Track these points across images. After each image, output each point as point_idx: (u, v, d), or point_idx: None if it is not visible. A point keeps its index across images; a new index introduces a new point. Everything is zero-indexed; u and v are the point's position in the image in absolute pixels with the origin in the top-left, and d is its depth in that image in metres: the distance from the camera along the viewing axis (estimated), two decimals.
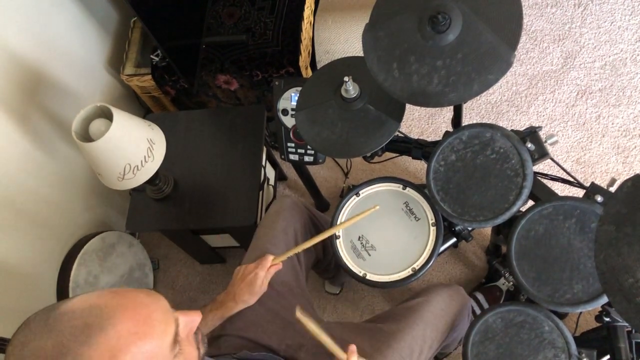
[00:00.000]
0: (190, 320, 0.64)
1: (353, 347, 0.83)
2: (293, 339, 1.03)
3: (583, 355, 0.89)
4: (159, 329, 0.57)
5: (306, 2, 1.69)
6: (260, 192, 1.53)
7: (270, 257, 1.01)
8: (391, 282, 1.02)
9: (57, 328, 0.53)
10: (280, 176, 1.88)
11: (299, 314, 0.84)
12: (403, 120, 1.02)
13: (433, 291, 1.10)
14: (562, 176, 1.06)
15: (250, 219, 1.43)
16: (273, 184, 1.78)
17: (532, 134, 0.96)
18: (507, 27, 0.83)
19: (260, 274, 0.97)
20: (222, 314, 0.98)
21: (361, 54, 0.96)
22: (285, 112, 1.31)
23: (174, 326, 0.60)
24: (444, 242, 1.14)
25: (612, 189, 0.89)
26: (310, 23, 1.77)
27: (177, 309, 0.64)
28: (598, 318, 0.98)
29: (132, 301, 0.57)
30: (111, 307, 0.56)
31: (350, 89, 1.02)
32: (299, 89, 1.27)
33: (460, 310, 1.09)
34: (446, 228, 1.14)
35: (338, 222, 1.10)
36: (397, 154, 1.18)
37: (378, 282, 1.02)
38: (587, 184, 0.94)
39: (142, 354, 0.55)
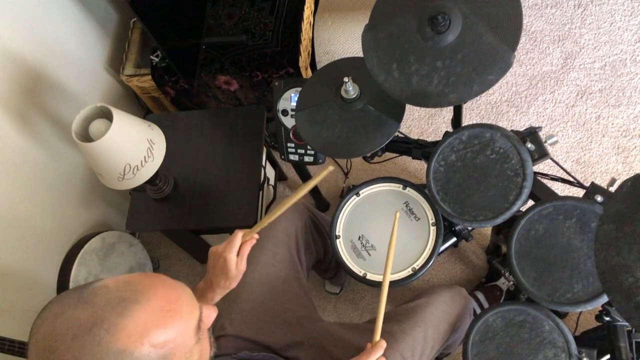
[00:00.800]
0: (209, 313, 0.66)
1: (383, 343, 0.85)
2: (293, 339, 1.03)
3: (583, 354, 0.90)
4: (187, 310, 0.60)
5: (306, 2, 1.69)
6: (260, 192, 1.53)
7: (240, 234, 0.89)
8: (391, 281, 1.02)
9: (93, 301, 0.55)
10: (280, 176, 1.88)
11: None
12: (403, 120, 1.03)
13: (435, 292, 1.10)
14: (562, 176, 1.06)
15: (250, 219, 1.43)
16: (273, 184, 1.79)
17: (532, 134, 0.96)
18: (507, 27, 0.83)
19: (230, 257, 0.86)
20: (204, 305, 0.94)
21: (361, 54, 0.96)
22: (285, 112, 1.31)
23: (199, 312, 0.62)
24: (444, 242, 1.14)
25: (612, 189, 0.89)
26: (310, 23, 1.77)
27: None
28: (598, 317, 0.98)
29: (163, 282, 0.60)
30: (145, 283, 0.58)
31: (350, 89, 1.02)
32: (299, 89, 1.27)
33: (462, 311, 1.10)
34: (446, 228, 1.14)
35: (338, 224, 1.11)
36: (397, 154, 1.19)
37: (378, 282, 1.02)
38: (587, 184, 0.94)
39: (172, 330, 0.57)
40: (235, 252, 0.88)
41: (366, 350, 0.85)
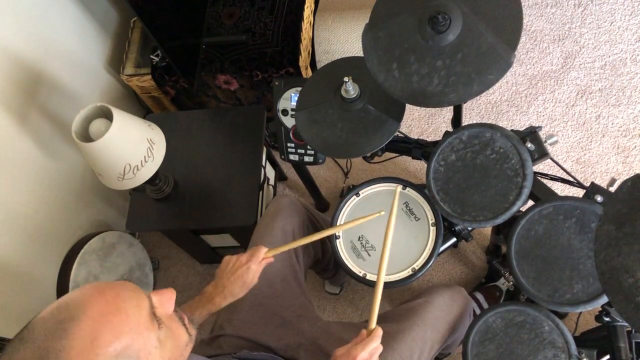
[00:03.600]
0: (162, 295, 0.63)
1: (379, 331, 0.81)
2: (292, 338, 1.03)
3: (583, 355, 0.90)
4: (131, 304, 0.57)
5: (306, 2, 1.69)
6: (260, 192, 1.53)
7: (264, 250, 0.96)
8: (391, 282, 1.02)
9: (32, 337, 0.53)
10: (280, 176, 1.88)
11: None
12: (403, 120, 1.03)
13: (434, 292, 1.10)
14: (562, 176, 1.06)
15: (250, 219, 1.43)
16: (273, 184, 1.79)
17: (532, 134, 0.96)
18: (507, 27, 0.83)
19: (253, 268, 0.93)
20: (209, 308, 0.94)
21: (361, 54, 0.96)
22: (285, 112, 1.31)
23: (147, 300, 0.60)
24: (444, 242, 1.14)
25: (612, 189, 0.89)
26: (310, 23, 1.77)
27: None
28: (598, 318, 0.98)
29: (96, 287, 0.58)
30: (77, 299, 0.56)
31: (350, 89, 1.02)
32: (299, 89, 1.27)
33: (462, 311, 1.09)
34: (446, 228, 1.14)
35: (338, 223, 1.10)
36: (397, 154, 1.18)
37: None
38: (587, 184, 0.94)
39: (121, 329, 0.55)
40: (258, 264, 0.94)
41: (360, 336, 0.82)
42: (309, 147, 1.31)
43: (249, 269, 0.93)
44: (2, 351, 0.54)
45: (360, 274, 1.04)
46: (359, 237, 1.08)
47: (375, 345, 0.80)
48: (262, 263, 0.95)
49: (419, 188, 1.08)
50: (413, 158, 1.16)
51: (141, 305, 0.59)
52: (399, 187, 0.99)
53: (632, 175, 0.68)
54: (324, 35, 1.76)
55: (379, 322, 1.06)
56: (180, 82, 1.72)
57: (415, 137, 1.17)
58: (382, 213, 0.99)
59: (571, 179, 1.03)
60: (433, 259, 1.02)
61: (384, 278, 0.84)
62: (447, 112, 1.85)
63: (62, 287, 1.47)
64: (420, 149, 1.14)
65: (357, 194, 1.13)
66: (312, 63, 1.78)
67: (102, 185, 1.33)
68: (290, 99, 1.30)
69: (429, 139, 1.17)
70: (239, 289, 0.93)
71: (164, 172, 1.49)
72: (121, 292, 0.58)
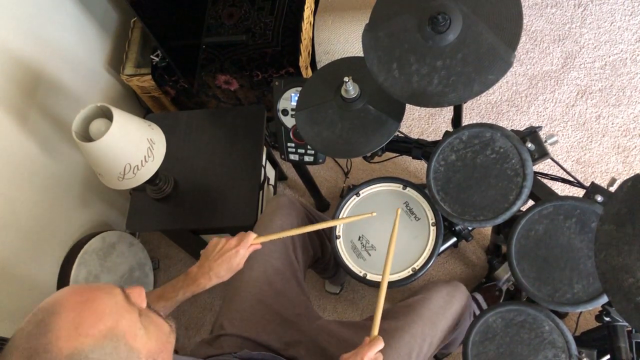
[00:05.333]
0: (135, 292, 0.65)
1: (381, 340, 0.83)
2: (292, 337, 1.03)
3: (583, 355, 0.90)
4: (104, 290, 0.59)
5: (306, 2, 1.69)
6: (260, 192, 1.53)
7: (253, 235, 0.96)
8: (391, 282, 1.02)
9: (14, 344, 0.54)
10: (280, 176, 1.88)
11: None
12: (403, 120, 1.03)
13: (432, 288, 1.09)
14: (562, 176, 1.06)
15: (250, 219, 1.43)
16: (273, 184, 1.79)
17: (532, 134, 0.96)
18: (507, 27, 0.83)
19: (241, 252, 0.93)
20: (193, 290, 0.94)
21: (361, 54, 0.96)
22: (285, 112, 1.31)
23: (119, 289, 0.62)
24: (444, 242, 1.14)
25: (612, 189, 0.89)
26: (310, 23, 1.77)
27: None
28: (598, 318, 0.98)
29: (68, 287, 0.60)
30: (50, 300, 0.57)
31: (350, 89, 1.02)
32: (299, 89, 1.27)
33: (461, 307, 1.09)
34: (446, 228, 1.14)
35: (337, 226, 1.10)
36: (397, 154, 1.19)
37: (378, 282, 1.02)
38: (587, 184, 0.94)
39: (101, 312, 0.56)
40: (247, 248, 0.94)
41: (364, 343, 0.84)
42: (309, 147, 1.31)
43: (237, 253, 0.93)
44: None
45: (361, 274, 1.04)
46: (359, 237, 1.08)
47: (380, 347, 0.82)
48: (250, 248, 0.95)
49: (419, 188, 1.09)
50: (413, 158, 1.16)
51: (113, 292, 0.60)
52: (399, 210, 1.03)
53: (632, 175, 0.68)
54: (324, 35, 1.76)
55: None
56: (180, 82, 1.72)
57: (416, 137, 1.17)
58: (374, 214, 1.03)
59: (571, 179, 1.03)
60: (433, 259, 1.02)
61: (384, 296, 0.87)
62: (447, 112, 1.85)
63: (62, 287, 1.47)
64: (421, 148, 1.14)
65: (357, 194, 1.13)
66: (312, 63, 1.78)
67: (102, 185, 1.33)
68: (290, 99, 1.30)
69: (429, 139, 1.17)
70: (224, 271, 0.93)
71: (164, 172, 1.48)
72: (91, 285, 0.60)
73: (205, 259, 0.96)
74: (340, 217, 1.11)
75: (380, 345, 0.83)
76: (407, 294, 1.62)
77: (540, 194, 0.97)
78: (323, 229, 1.27)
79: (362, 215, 1.03)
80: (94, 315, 0.55)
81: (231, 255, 0.93)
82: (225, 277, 0.94)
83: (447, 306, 1.07)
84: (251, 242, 0.95)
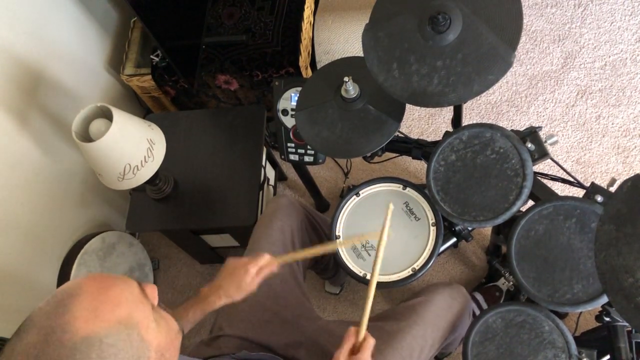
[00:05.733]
0: (149, 287, 0.65)
1: (372, 342, 0.82)
2: (292, 338, 1.03)
3: (583, 355, 0.90)
4: (121, 279, 0.60)
5: (306, 2, 1.69)
6: (260, 192, 1.53)
7: (267, 256, 0.95)
8: (391, 282, 1.02)
9: (32, 322, 0.54)
10: (280, 176, 1.88)
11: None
12: (403, 120, 1.03)
13: (434, 290, 1.10)
14: (562, 176, 1.06)
15: (250, 219, 1.43)
16: (273, 184, 1.78)
17: (532, 134, 0.96)
18: (507, 27, 0.83)
19: (251, 270, 0.92)
20: (203, 308, 0.94)
21: (361, 54, 0.96)
22: (285, 112, 1.31)
23: (134, 281, 0.62)
24: (444, 242, 1.14)
25: (612, 189, 0.89)
26: (310, 23, 1.77)
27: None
28: (598, 318, 0.98)
29: (88, 274, 0.60)
30: (70, 283, 0.58)
31: (350, 89, 1.02)
32: (299, 89, 1.27)
33: (462, 309, 1.09)
34: (446, 228, 1.14)
35: (337, 223, 1.10)
36: (397, 154, 1.18)
37: (378, 282, 1.02)
38: (587, 184, 0.94)
39: (118, 299, 0.57)
40: (257, 268, 0.93)
41: (349, 334, 0.82)
42: (309, 147, 1.31)
43: (247, 272, 0.92)
44: (6, 344, 0.55)
45: (361, 274, 1.04)
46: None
47: (371, 346, 0.82)
48: (263, 270, 0.94)
49: (419, 188, 1.08)
50: (413, 158, 1.16)
51: (129, 282, 0.61)
52: (392, 205, 0.97)
53: (632, 175, 0.68)
54: (324, 35, 1.76)
55: (379, 321, 1.07)
56: (180, 82, 1.72)
57: (415, 137, 1.17)
58: (386, 237, 0.92)
59: (571, 179, 1.03)
60: (433, 259, 1.02)
61: (372, 297, 0.84)
62: (447, 112, 1.85)
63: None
64: (420, 149, 1.14)
65: (357, 194, 1.12)
66: (312, 63, 1.78)
67: (102, 185, 1.33)
68: (290, 99, 1.30)
69: (429, 139, 1.17)
70: (234, 290, 0.92)
71: (164, 172, 1.48)
72: (109, 274, 0.61)
73: (218, 277, 0.96)
74: (340, 217, 1.11)
75: (372, 344, 0.82)
76: (407, 294, 1.63)
77: (540, 194, 0.97)
78: (322, 230, 1.27)
79: (366, 235, 1.01)
80: (111, 302, 0.56)
81: (241, 274, 0.92)
82: (236, 297, 0.93)
83: (449, 308, 1.07)
84: (264, 262, 0.94)
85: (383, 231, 0.85)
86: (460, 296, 1.11)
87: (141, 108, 1.96)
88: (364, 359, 0.80)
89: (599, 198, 0.90)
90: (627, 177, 0.68)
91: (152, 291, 0.65)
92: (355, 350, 0.83)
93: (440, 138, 1.02)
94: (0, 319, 1.32)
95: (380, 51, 0.93)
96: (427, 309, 1.04)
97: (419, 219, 1.06)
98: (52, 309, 0.55)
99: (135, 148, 1.24)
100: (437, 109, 1.85)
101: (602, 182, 0.94)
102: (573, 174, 1.17)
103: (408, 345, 0.98)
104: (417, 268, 1.01)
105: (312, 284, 1.69)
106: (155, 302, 0.65)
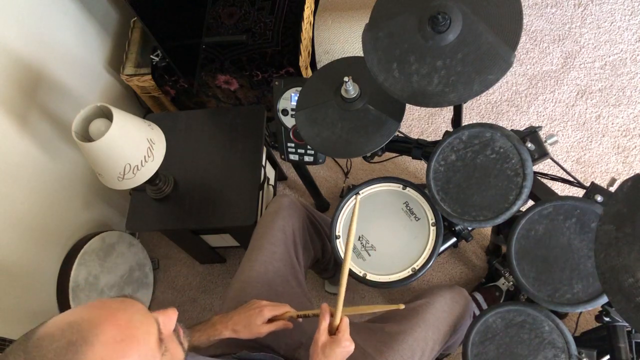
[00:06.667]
0: (169, 318, 0.63)
1: (347, 321, 0.83)
2: (292, 338, 1.03)
3: (583, 355, 0.89)
4: (142, 330, 0.57)
5: (306, 2, 1.69)
6: (260, 192, 1.53)
7: (288, 308, 0.94)
8: (391, 282, 1.02)
9: (40, 354, 0.52)
10: (280, 176, 1.88)
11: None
12: (403, 120, 1.02)
13: (436, 293, 1.10)
14: (562, 176, 1.06)
15: (250, 219, 1.43)
16: (273, 184, 1.78)
17: (532, 133, 0.96)
18: (507, 27, 0.83)
19: (266, 315, 0.91)
20: (208, 335, 0.93)
21: (361, 54, 0.96)
22: (285, 112, 1.31)
23: (156, 325, 0.60)
24: (444, 242, 1.14)
25: (612, 189, 0.89)
26: (310, 23, 1.77)
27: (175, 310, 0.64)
28: (598, 318, 0.98)
29: (109, 309, 0.56)
30: (89, 319, 0.54)
31: (350, 89, 1.02)
32: (299, 89, 1.27)
33: (463, 312, 1.09)
34: (446, 228, 1.14)
35: (337, 222, 1.10)
36: (397, 154, 1.18)
37: (378, 282, 1.02)
38: (587, 184, 0.94)
39: (132, 355, 0.54)
40: (272, 315, 0.92)
41: (322, 315, 0.82)
42: (309, 147, 1.31)
43: (260, 313, 0.91)
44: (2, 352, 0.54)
45: (361, 274, 1.04)
46: (359, 237, 1.08)
47: (345, 340, 0.81)
48: (277, 323, 0.92)
49: (419, 188, 1.08)
50: (413, 158, 1.16)
51: (150, 331, 0.58)
52: (359, 197, 0.99)
53: (632, 175, 0.68)
54: (324, 35, 1.76)
55: (380, 323, 1.07)
56: (180, 82, 1.71)
57: (415, 137, 1.17)
58: (402, 307, 0.89)
59: (571, 179, 1.03)
60: (433, 259, 1.02)
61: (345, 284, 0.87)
62: (447, 112, 1.85)
63: (62, 287, 1.47)
64: (420, 148, 1.14)
65: (357, 194, 1.12)
66: (312, 63, 1.78)
67: (102, 185, 1.33)
68: (290, 99, 1.30)
69: (429, 139, 1.17)
70: (242, 326, 0.91)
71: (164, 172, 1.49)
72: (133, 316, 0.57)
73: (236, 310, 0.95)
74: (340, 217, 1.11)
75: (347, 323, 0.82)
76: (407, 294, 1.63)
77: (540, 194, 0.97)
78: (323, 230, 1.27)
79: (386, 307, 0.94)
80: (124, 358, 0.54)
81: (253, 314, 0.91)
82: (242, 334, 0.92)
83: (450, 311, 1.07)
84: (280, 312, 0.92)
85: (352, 222, 0.85)
86: (461, 298, 1.11)
87: (141, 108, 1.96)
88: (344, 339, 0.81)
89: (599, 198, 0.90)
90: (627, 177, 0.68)
91: (170, 319, 0.63)
92: (333, 330, 0.83)
93: (440, 138, 1.02)
94: (0, 319, 1.32)
95: (380, 51, 0.92)
96: (429, 311, 1.04)
97: (419, 219, 1.06)
98: (62, 347, 0.52)
99: (135, 148, 1.25)
100: (437, 108, 1.85)
101: (602, 182, 0.94)
102: (573, 173, 1.17)
103: (409, 347, 0.98)
104: (417, 268, 1.01)
105: (312, 284, 1.69)
106: (172, 328, 0.63)
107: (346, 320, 0.83)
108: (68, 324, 0.54)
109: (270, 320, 0.92)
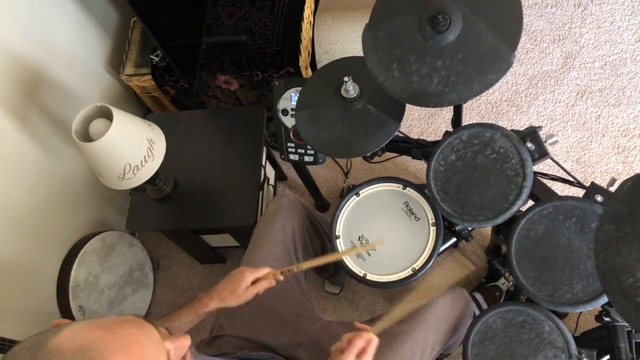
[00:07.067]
0: (181, 346, 0.62)
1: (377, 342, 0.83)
2: (292, 338, 1.03)
3: (583, 355, 0.89)
4: (153, 355, 0.56)
5: (306, 2, 1.69)
6: (260, 192, 1.53)
7: (266, 269, 0.96)
8: (391, 282, 1.02)
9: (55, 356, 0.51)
10: (280, 176, 1.88)
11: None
12: (403, 120, 1.02)
13: None
14: (562, 176, 1.06)
15: (250, 219, 1.43)
16: (273, 184, 1.78)
17: (532, 133, 0.96)
18: (507, 27, 0.83)
19: (247, 276, 0.92)
20: (195, 309, 0.93)
21: (361, 54, 0.96)
22: (285, 112, 1.31)
23: (166, 357, 0.58)
24: (444, 242, 1.14)
25: (612, 189, 0.89)
26: (310, 23, 1.77)
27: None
28: (598, 318, 0.98)
29: (125, 339, 0.55)
30: (103, 348, 0.53)
31: (350, 89, 1.02)
32: (299, 89, 1.27)
33: (463, 312, 1.09)
34: (446, 228, 1.14)
35: (338, 222, 1.10)
36: (397, 154, 1.18)
37: (378, 282, 1.02)
38: (587, 184, 0.94)
39: None
40: (254, 277, 0.93)
41: (358, 339, 0.83)
42: (309, 147, 1.31)
43: (242, 278, 0.92)
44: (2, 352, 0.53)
45: (361, 274, 1.04)
46: (359, 237, 1.08)
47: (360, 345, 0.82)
48: (261, 283, 0.94)
49: (419, 188, 1.08)
50: (413, 158, 1.16)
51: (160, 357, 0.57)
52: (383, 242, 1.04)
53: (632, 175, 0.68)
54: (324, 35, 1.76)
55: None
56: (180, 82, 1.71)
57: (416, 137, 1.17)
58: (383, 243, 1.01)
59: (571, 179, 1.03)
60: (433, 259, 1.02)
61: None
62: (447, 112, 1.85)
63: (62, 288, 1.47)
64: (420, 148, 1.14)
65: (357, 194, 1.12)
66: (312, 63, 1.78)
67: (102, 185, 1.33)
68: (290, 99, 1.30)
69: (429, 139, 1.17)
70: (227, 294, 0.92)
71: (164, 172, 1.48)
72: (147, 350, 0.56)
73: (220, 283, 0.96)
74: (340, 217, 1.11)
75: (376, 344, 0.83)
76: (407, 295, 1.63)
77: (540, 194, 0.97)
78: (323, 230, 1.27)
79: (370, 246, 1.02)
80: None
81: (236, 279, 0.93)
82: (229, 301, 0.93)
83: (450, 311, 1.07)
84: (262, 273, 0.94)
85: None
86: (461, 299, 1.11)
87: (141, 108, 1.96)
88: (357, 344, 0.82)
89: (599, 198, 0.90)
90: (627, 177, 0.68)
91: (182, 348, 0.62)
92: (360, 351, 0.84)
93: (440, 138, 1.02)
94: (0, 319, 1.32)
95: (380, 51, 0.92)
96: (429, 312, 1.04)
97: (419, 219, 1.06)
98: None
99: (135, 148, 1.24)
100: (437, 108, 1.85)
101: (602, 182, 0.94)
102: (573, 173, 1.17)
103: (410, 347, 0.98)
104: (417, 268, 1.01)
105: (312, 284, 1.69)
106: (181, 356, 0.62)
107: (376, 341, 0.84)
108: (80, 347, 0.52)
109: (253, 283, 0.94)
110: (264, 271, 0.95)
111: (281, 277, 0.96)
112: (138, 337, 0.56)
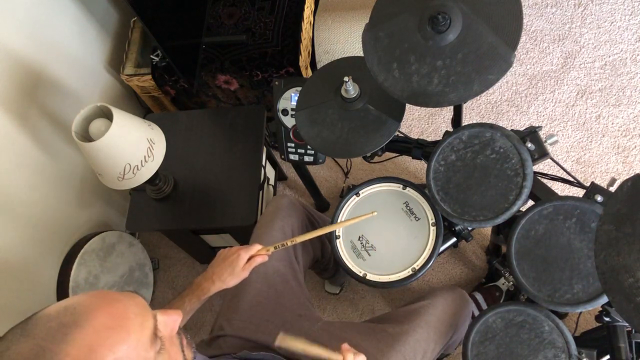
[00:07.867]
0: (171, 319, 0.63)
1: (346, 346, 0.82)
2: None
3: (583, 355, 0.90)
4: (136, 321, 0.57)
5: (306, 2, 1.69)
6: (260, 192, 1.53)
7: (258, 246, 0.98)
8: (391, 282, 1.02)
9: (34, 332, 0.53)
10: (280, 176, 1.88)
11: (279, 341, 0.81)
12: (403, 120, 1.03)
13: (437, 294, 1.10)
14: (562, 176, 1.06)
15: (250, 219, 1.43)
16: (273, 184, 1.78)
17: (532, 133, 0.96)
18: (507, 27, 0.83)
19: (243, 255, 0.94)
20: (198, 295, 0.95)
21: (361, 54, 0.96)
22: (285, 112, 1.31)
23: (152, 321, 0.60)
24: (444, 242, 1.14)
25: (612, 189, 0.89)
26: (310, 23, 1.77)
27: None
28: (598, 318, 0.98)
29: (106, 297, 0.57)
30: (85, 305, 0.56)
31: (350, 89, 1.02)
32: (299, 89, 1.27)
33: (463, 313, 1.10)
34: (446, 228, 1.14)
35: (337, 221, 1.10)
36: (397, 154, 1.18)
37: (378, 282, 1.02)
38: (587, 184, 0.94)
39: (121, 347, 0.55)
40: (249, 255, 0.95)
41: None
42: (309, 147, 1.31)
43: (239, 257, 0.94)
44: (2, 338, 0.55)
45: (361, 274, 1.04)
46: (359, 237, 1.08)
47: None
48: (255, 259, 0.96)
49: (419, 188, 1.09)
50: (413, 158, 1.16)
51: (145, 325, 0.58)
52: (375, 213, 1.04)
53: (632, 175, 0.68)
54: (324, 35, 1.76)
55: (382, 323, 1.07)
56: (180, 82, 1.71)
57: (416, 137, 1.17)
58: (375, 213, 1.03)
59: (571, 179, 1.03)
60: (433, 259, 1.02)
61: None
62: (447, 112, 1.85)
63: (62, 287, 1.47)
64: (421, 148, 1.14)
65: (357, 194, 1.12)
66: (312, 63, 1.78)
67: (102, 185, 1.33)
68: (290, 99, 1.30)
69: (429, 139, 1.17)
70: (227, 275, 0.94)
71: (164, 172, 1.48)
72: (129, 307, 0.58)
73: (211, 266, 0.97)
74: (340, 217, 1.11)
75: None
76: (407, 294, 1.63)
77: (540, 194, 0.97)
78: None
79: (363, 216, 1.03)
80: (110, 348, 0.54)
81: (233, 260, 0.94)
82: (229, 282, 0.94)
83: (451, 312, 1.07)
84: (254, 250, 0.96)
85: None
86: (461, 299, 1.11)
87: (141, 108, 1.96)
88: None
89: (599, 198, 0.90)
90: (627, 177, 0.68)
91: (173, 322, 0.63)
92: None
93: (440, 138, 1.02)
94: (0, 319, 1.32)
95: (380, 51, 0.92)
96: (431, 313, 1.04)
97: (419, 219, 1.06)
98: (54, 328, 0.53)
99: (135, 148, 1.24)
100: (437, 108, 1.85)
101: (602, 182, 0.94)
102: (573, 173, 1.17)
103: (411, 348, 0.98)
104: (417, 268, 1.01)
105: (312, 284, 1.69)
106: (174, 332, 0.63)
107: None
108: (65, 306, 0.56)
109: (248, 261, 0.95)
110: (256, 248, 0.97)
111: (272, 250, 0.98)
112: (119, 297, 0.58)
